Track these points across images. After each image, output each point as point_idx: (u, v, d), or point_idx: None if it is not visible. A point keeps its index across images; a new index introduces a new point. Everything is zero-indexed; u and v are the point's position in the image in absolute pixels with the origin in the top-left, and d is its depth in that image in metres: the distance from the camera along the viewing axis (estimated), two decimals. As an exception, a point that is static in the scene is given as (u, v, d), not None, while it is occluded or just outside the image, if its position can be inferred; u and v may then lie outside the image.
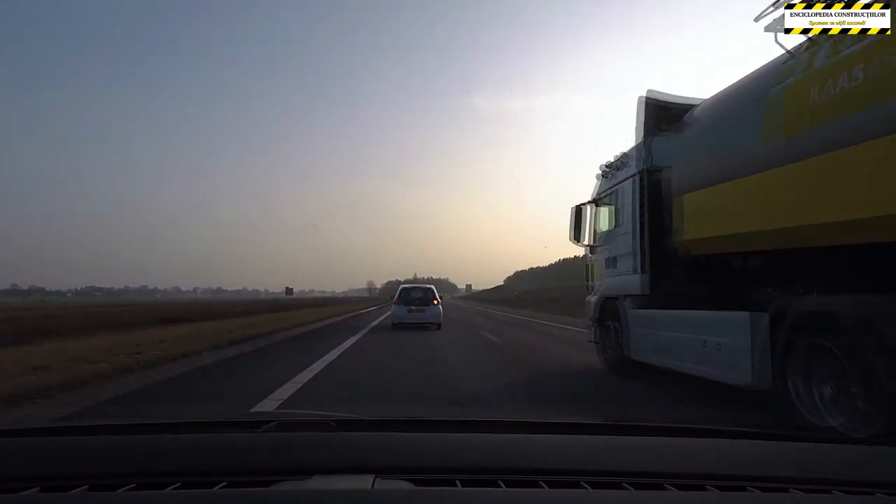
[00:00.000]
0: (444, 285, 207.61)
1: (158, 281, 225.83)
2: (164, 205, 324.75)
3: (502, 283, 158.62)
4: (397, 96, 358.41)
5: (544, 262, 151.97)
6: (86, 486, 0.98)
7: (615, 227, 6.84)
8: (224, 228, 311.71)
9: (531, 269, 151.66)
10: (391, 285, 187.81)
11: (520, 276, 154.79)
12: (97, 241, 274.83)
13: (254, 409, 4.80)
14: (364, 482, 0.97)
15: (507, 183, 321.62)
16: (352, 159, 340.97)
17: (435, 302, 15.82)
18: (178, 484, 0.98)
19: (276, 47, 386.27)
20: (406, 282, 25.02)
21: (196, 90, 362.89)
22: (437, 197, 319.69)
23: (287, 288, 56.29)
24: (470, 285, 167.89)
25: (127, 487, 0.98)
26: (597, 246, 7.65)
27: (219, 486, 0.97)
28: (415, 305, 15.66)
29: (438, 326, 15.45)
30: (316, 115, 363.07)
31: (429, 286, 16.94)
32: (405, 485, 0.97)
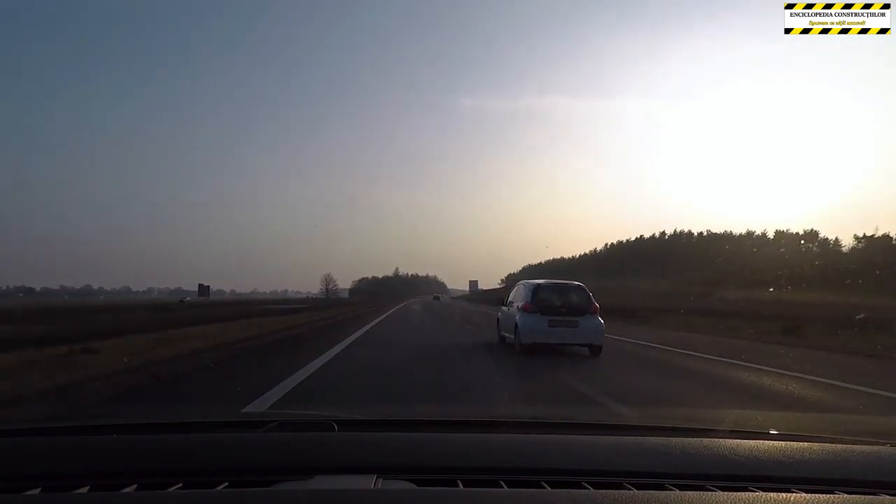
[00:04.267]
0: (434, 284, 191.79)
1: (104, 280, 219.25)
2: (109, 198, 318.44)
3: (500, 283, 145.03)
4: (385, 94, 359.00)
5: (564, 255, 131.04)
6: (88, 487, 1.03)
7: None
8: (184, 225, 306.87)
9: (547, 261, 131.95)
10: (364, 283, 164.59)
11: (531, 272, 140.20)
12: (20, 238, 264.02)
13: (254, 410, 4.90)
14: (366, 482, 1.04)
15: (505, 181, 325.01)
16: (335, 156, 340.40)
17: (593, 310, 10.54)
18: (181, 484, 1.04)
19: (264, 46, 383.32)
20: (519, 278, 15.44)
21: (169, 86, 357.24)
22: (425, 193, 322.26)
23: (201, 285, 46.70)
24: (476, 281, 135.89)
25: (129, 488, 1.04)
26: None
27: (221, 486, 1.04)
28: (560, 315, 10.37)
29: (598, 351, 10.28)
30: (278, 105, 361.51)
31: (578, 283, 11.40)
32: (407, 485, 1.04)
